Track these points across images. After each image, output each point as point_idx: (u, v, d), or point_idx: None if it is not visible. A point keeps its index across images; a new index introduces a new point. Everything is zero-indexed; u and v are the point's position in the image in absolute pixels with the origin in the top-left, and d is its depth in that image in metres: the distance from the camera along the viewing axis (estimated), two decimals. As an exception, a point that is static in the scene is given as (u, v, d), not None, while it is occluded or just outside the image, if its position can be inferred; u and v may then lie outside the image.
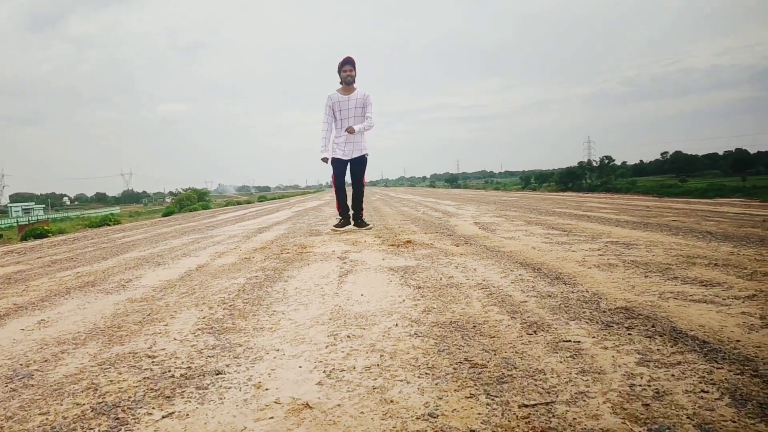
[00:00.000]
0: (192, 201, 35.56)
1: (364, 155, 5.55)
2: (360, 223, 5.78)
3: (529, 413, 1.17)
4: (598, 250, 3.51)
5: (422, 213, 8.60)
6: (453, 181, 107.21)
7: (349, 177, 5.67)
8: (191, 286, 2.98)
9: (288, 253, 4.14)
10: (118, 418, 1.29)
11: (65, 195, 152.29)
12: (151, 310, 2.44)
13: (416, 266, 3.19)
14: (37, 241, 9.48)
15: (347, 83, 5.37)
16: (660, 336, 1.65)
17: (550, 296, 2.26)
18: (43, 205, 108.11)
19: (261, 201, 35.71)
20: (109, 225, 13.82)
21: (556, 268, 2.89)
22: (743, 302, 2.01)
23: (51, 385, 1.56)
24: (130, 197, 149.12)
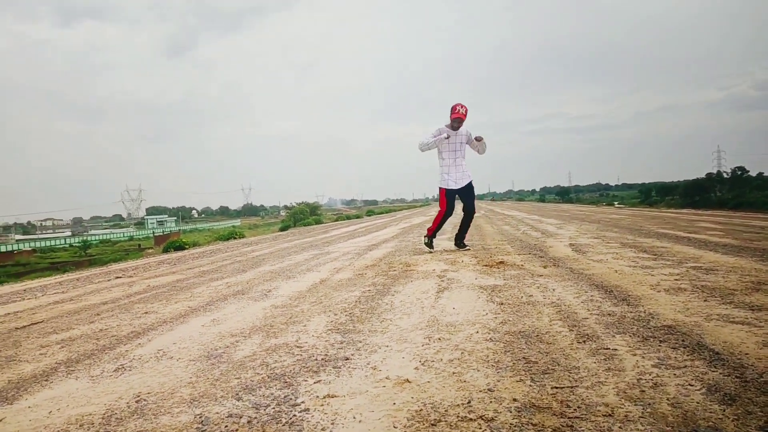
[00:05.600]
0: (305, 215, 37.83)
1: (470, 181, 6.19)
2: (461, 244, 6.38)
3: (557, 392, 1.72)
4: (678, 274, 3.82)
5: (522, 232, 8.98)
6: (564, 194, 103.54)
7: (460, 203, 6.37)
8: (318, 297, 3.73)
9: (395, 270, 4.82)
10: (286, 382, 1.99)
11: (194, 208, 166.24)
12: (292, 315, 3.20)
13: (503, 285, 3.72)
14: (179, 253, 11.01)
15: (454, 128, 6.08)
16: (684, 348, 2.10)
17: (610, 315, 2.72)
18: (175, 218, 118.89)
19: (369, 215, 37.17)
20: (235, 238, 15.49)
21: (628, 291, 3.30)
22: (776, 325, 2.37)
23: (236, 362, 2.31)
24: (249, 210, 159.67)
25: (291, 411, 1.71)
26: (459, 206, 6.54)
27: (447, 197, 6.20)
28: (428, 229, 6.55)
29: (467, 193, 6.24)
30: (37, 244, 61.47)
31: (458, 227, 6.56)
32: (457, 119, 5.97)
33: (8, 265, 36.27)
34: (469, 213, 6.33)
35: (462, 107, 5.95)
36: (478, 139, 6.14)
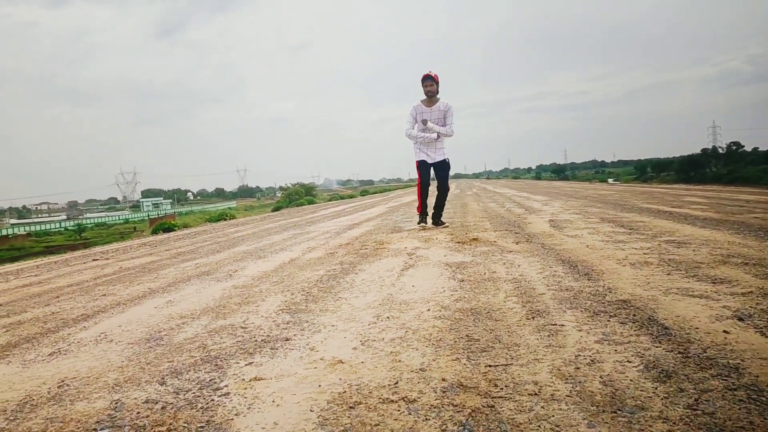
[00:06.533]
0: (300, 195, 37.73)
1: (446, 159, 6.04)
2: (438, 222, 6.27)
3: (489, 370, 1.64)
4: (648, 248, 3.74)
5: (506, 209, 8.89)
6: (560, 172, 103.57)
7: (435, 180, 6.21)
8: (281, 277, 3.64)
9: (366, 249, 4.74)
10: (217, 365, 1.91)
11: (189, 190, 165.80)
12: (248, 295, 3.11)
13: (470, 262, 3.64)
14: (165, 235, 10.92)
15: (429, 96, 5.88)
16: (633, 323, 2.02)
17: (567, 290, 2.64)
18: (170, 200, 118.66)
19: (363, 195, 37.07)
20: (225, 220, 15.40)
21: (593, 266, 3.22)
22: (733, 298, 2.29)
23: (175, 345, 2.23)
24: (245, 192, 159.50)
25: (211, 396, 1.63)
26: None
27: (421, 168, 6.06)
28: (417, 207, 6.42)
29: (441, 169, 6.10)
30: (32, 228, 61.25)
31: (434, 206, 6.40)
32: (428, 78, 5.78)
33: (3, 249, 36.11)
34: (442, 189, 6.21)
35: (430, 71, 5.80)
36: (423, 124, 5.94)
